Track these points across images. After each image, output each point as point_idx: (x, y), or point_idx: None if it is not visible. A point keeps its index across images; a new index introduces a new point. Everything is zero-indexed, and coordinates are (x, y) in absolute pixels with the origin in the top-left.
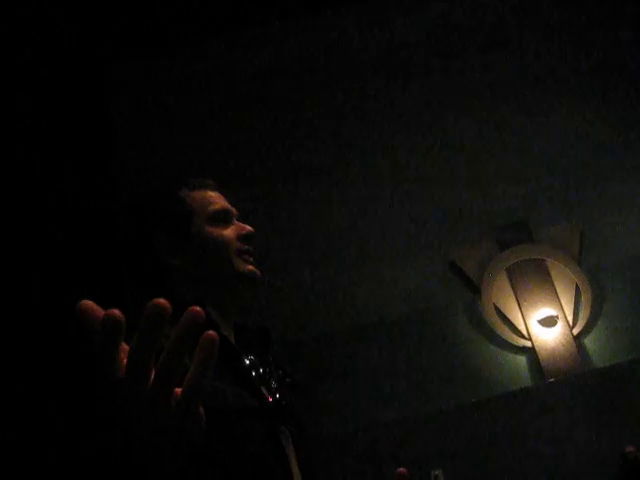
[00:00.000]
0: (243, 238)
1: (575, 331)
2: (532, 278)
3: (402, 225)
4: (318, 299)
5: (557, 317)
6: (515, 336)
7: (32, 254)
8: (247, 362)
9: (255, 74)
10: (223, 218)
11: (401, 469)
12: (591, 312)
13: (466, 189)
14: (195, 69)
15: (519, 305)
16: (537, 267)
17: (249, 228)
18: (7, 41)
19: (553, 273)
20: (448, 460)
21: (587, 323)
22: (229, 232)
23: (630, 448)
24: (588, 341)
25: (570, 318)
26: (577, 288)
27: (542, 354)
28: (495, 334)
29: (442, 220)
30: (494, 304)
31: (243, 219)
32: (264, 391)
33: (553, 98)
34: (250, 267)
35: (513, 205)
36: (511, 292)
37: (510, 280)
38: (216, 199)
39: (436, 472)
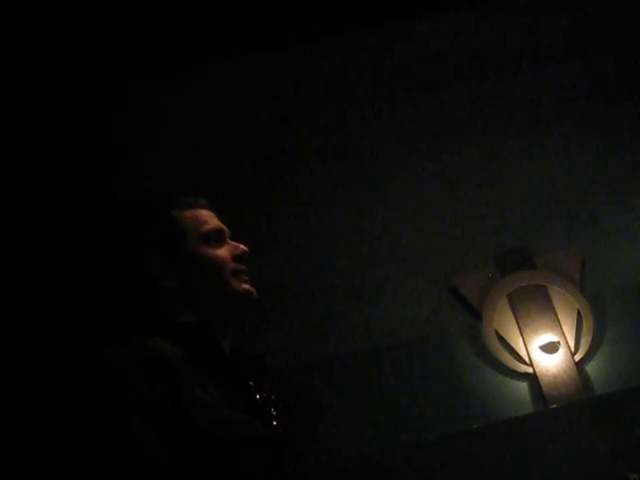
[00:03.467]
0: (238, 258)
1: (577, 357)
2: (533, 304)
3: (403, 251)
4: (316, 325)
5: (559, 343)
6: (517, 362)
7: (32, 269)
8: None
9: (257, 96)
10: (217, 238)
11: None
12: (593, 339)
13: (466, 215)
14: (198, 91)
15: (520, 331)
16: (538, 293)
17: (243, 247)
18: (17, 59)
19: (554, 299)
20: None
21: (589, 350)
22: (223, 252)
23: (634, 475)
24: (590, 368)
25: (572, 344)
26: (579, 314)
27: (544, 380)
28: (496, 360)
29: (443, 246)
30: (495, 330)
31: (242, 238)
32: (269, 418)
33: (552, 123)
34: (246, 286)
35: (514, 231)
36: (512, 318)
37: (511, 306)
38: (209, 218)
39: None
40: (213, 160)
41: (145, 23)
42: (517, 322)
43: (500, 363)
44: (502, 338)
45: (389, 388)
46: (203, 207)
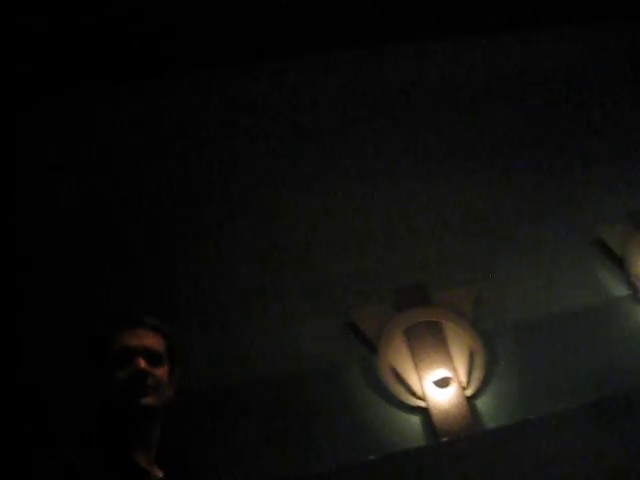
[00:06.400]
0: (135, 376)
1: (468, 392)
2: (428, 340)
3: (303, 284)
4: (216, 355)
5: (451, 378)
6: (410, 396)
7: None
8: None
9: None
10: (121, 357)
11: None
12: (484, 374)
13: (366, 250)
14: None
15: (415, 366)
16: (433, 329)
17: (140, 366)
18: None
19: (449, 335)
20: None
21: (479, 385)
22: (124, 374)
23: None
24: (480, 402)
25: (464, 380)
26: (471, 351)
27: (436, 414)
28: (391, 394)
29: (342, 280)
30: (390, 364)
31: None
32: None
33: (450, 164)
34: (144, 400)
35: (412, 268)
36: (408, 353)
37: (407, 341)
38: (120, 339)
39: None
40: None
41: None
42: (412, 357)
43: (394, 397)
44: (397, 372)
45: (285, 419)
46: (126, 327)
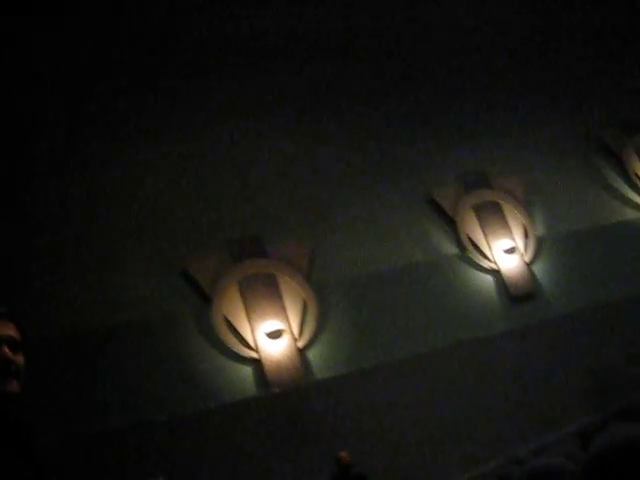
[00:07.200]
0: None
1: (300, 344)
2: (262, 292)
3: (135, 234)
4: (39, 305)
5: (283, 330)
6: (243, 347)
7: None
8: None
9: None
10: None
11: None
12: (316, 326)
13: (202, 200)
14: None
15: (248, 317)
16: (268, 281)
17: (7, 355)
18: None
19: (283, 288)
20: (174, 467)
21: (311, 337)
22: None
23: (344, 454)
24: (312, 354)
25: (296, 331)
26: (304, 303)
27: (268, 365)
28: (224, 345)
29: (177, 228)
30: (224, 315)
31: None
32: None
33: (286, 116)
34: (9, 387)
35: (247, 220)
36: (241, 304)
37: (241, 293)
38: None
39: (159, 478)
40: None
41: None
42: (246, 308)
43: (227, 348)
44: (231, 323)
45: (117, 369)
46: None
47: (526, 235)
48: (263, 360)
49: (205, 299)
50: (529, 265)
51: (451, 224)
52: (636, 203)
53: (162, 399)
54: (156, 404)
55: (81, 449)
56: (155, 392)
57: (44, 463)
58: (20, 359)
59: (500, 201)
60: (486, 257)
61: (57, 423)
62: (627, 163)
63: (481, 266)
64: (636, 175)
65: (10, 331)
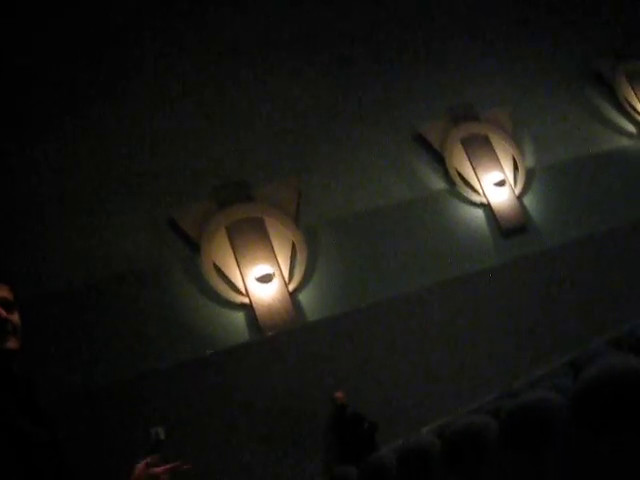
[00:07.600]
0: None
1: (290, 287)
2: (250, 236)
3: (120, 182)
4: (29, 262)
5: (274, 274)
6: (233, 293)
7: None
8: None
9: None
10: None
11: None
12: (306, 269)
13: (184, 147)
14: None
15: (237, 263)
16: (255, 225)
17: (2, 314)
18: None
19: (271, 231)
20: (170, 417)
21: (302, 279)
22: None
23: (339, 394)
24: (303, 296)
25: (286, 275)
26: (293, 246)
27: (259, 310)
28: (214, 291)
29: (161, 177)
30: (213, 262)
31: None
32: None
33: (276, 64)
34: (7, 344)
35: (232, 164)
36: (230, 250)
37: (229, 238)
38: None
39: (157, 429)
40: None
41: None
42: (234, 254)
43: (218, 294)
44: (220, 270)
45: (109, 321)
46: None
47: (516, 167)
48: (254, 305)
49: (193, 247)
50: (520, 198)
51: (439, 159)
52: (627, 130)
53: (156, 349)
54: (151, 354)
55: (78, 402)
56: (148, 342)
57: (46, 416)
58: (16, 317)
59: (489, 133)
60: (476, 191)
61: (55, 377)
62: (618, 90)
63: (471, 200)
64: (627, 102)
65: (3, 292)
